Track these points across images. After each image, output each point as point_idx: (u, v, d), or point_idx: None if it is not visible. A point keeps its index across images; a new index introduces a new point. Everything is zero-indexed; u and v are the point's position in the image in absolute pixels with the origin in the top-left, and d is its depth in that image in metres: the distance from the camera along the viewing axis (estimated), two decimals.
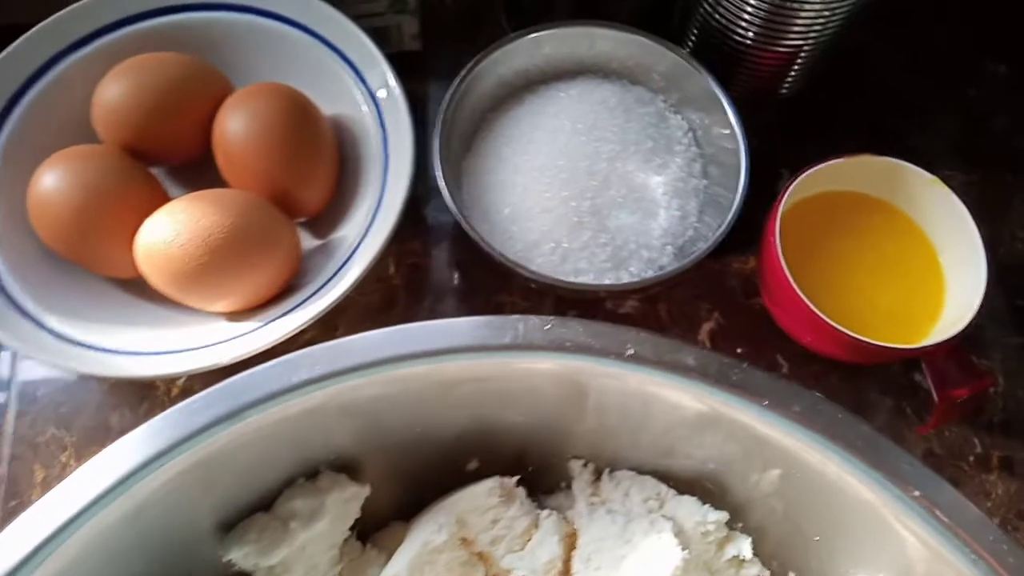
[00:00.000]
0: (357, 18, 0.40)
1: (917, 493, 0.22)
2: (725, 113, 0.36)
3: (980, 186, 0.42)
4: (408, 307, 0.38)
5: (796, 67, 0.39)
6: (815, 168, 0.35)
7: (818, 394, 0.23)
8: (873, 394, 0.37)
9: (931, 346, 0.31)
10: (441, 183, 0.34)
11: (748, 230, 0.35)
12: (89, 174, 0.34)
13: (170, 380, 0.36)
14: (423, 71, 0.43)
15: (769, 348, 0.38)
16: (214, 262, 0.32)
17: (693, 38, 0.40)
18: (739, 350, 0.38)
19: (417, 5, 0.41)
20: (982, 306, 0.33)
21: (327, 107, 0.38)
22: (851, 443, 0.22)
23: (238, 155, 0.35)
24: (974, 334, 0.39)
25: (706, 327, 0.38)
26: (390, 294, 0.39)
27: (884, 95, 0.44)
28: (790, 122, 0.43)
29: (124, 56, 0.36)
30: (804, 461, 0.24)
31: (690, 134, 0.38)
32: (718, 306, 0.39)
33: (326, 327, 0.37)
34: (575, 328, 0.23)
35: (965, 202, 0.41)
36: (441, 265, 0.40)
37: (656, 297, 0.39)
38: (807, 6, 0.34)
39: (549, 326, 0.23)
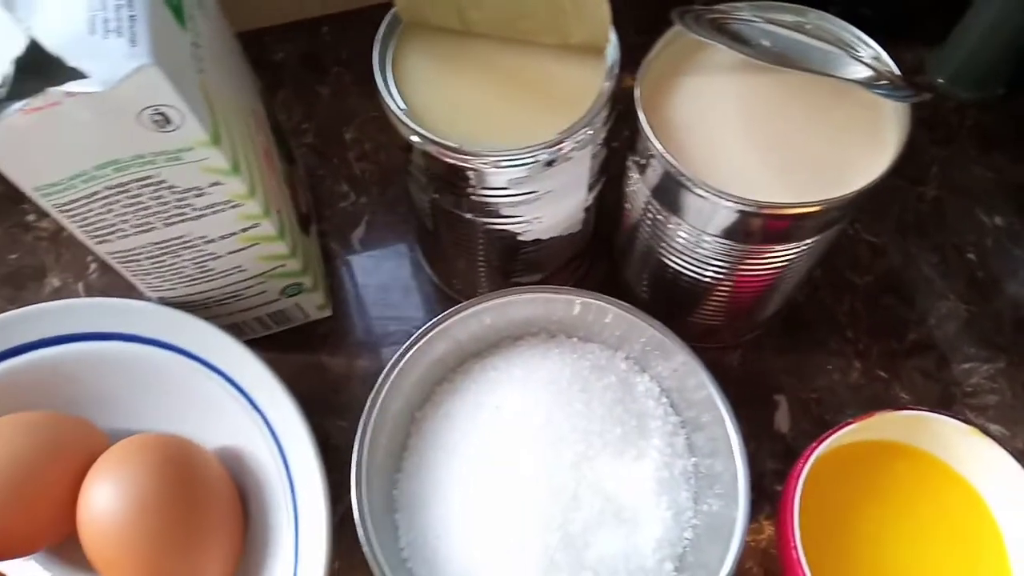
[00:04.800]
0: (246, 311, 0.33)
1: None
2: (692, 367, 0.30)
3: (1009, 374, 0.35)
4: None
5: (777, 290, 0.32)
6: (824, 445, 0.28)
7: None
8: None
9: None
10: (366, 548, 0.26)
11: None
12: None
13: None
14: (337, 339, 0.37)
15: None
16: None
17: (638, 274, 0.34)
18: None
19: (319, 278, 0.34)
20: None
21: (217, 437, 0.31)
22: None
23: (109, 549, 0.27)
24: None
25: None
26: None
27: (878, 279, 0.38)
28: (774, 329, 0.36)
29: None
30: None
31: (663, 399, 0.31)
32: None
33: None
34: None
35: (1000, 403, 0.35)
36: None
37: None
38: (777, 249, 0.28)
39: None
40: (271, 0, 0.44)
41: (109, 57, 0.20)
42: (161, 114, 0.22)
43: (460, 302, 0.31)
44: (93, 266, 0.38)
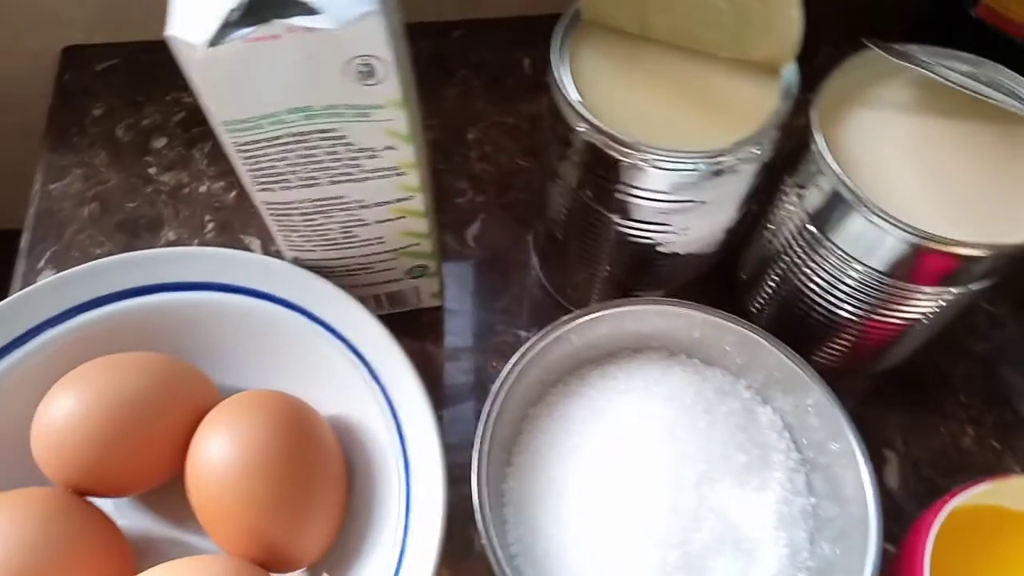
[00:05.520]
0: (368, 286, 0.33)
1: None
2: (826, 407, 0.29)
3: None
4: None
5: (905, 340, 0.32)
6: (954, 502, 0.27)
7: None
8: None
9: None
10: (484, 537, 0.26)
11: None
12: (23, 534, 0.25)
13: None
14: (439, 329, 0.36)
15: None
16: None
17: (763, 305, 0.34)
18: None
19: (438, 266, 0.34)
20: None
21: (330, 403, 0.30)
22: None
23: (216, 503, 0.26)
24: None
25: None
26: None
27: (995, 348, 0.37)
28: (887, 382, 0.36)
29: (76, 356, 0.29)
30: None
31: (786, 434, 0.30)
32: None
33: None
34: None
35: None
36: None
37: None
38: (927, 292, 0.28)
39: None
40: None
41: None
42: (369, 65, 0.22)
43: (569, 310, 0.30)
44: (210, 225, 0.38)
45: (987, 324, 0.37)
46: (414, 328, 0.36)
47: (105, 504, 0.29)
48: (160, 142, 0.40)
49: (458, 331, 0.37)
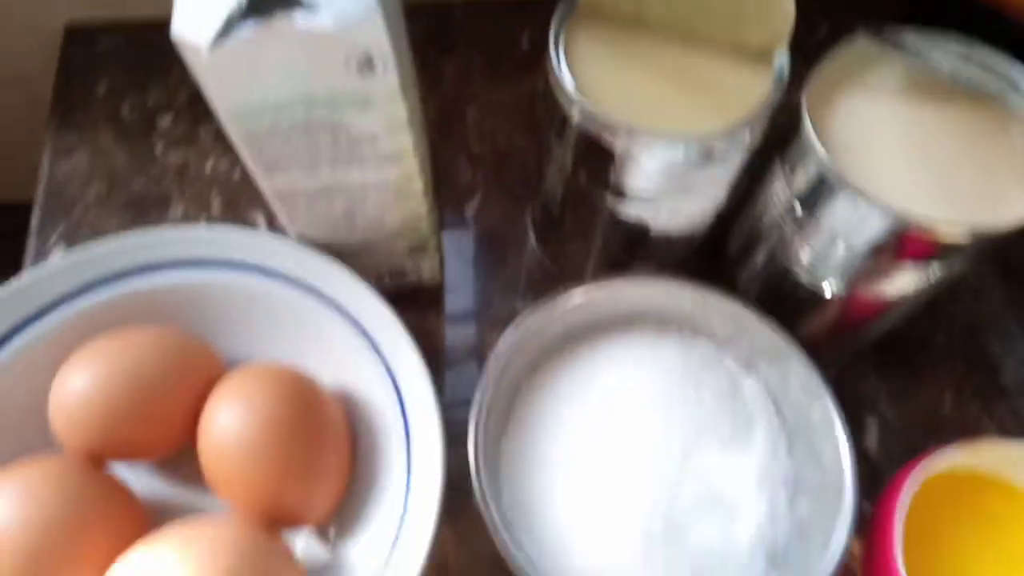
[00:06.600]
0: (370, 264, 0.34)
1: None
2: (807, 375, 0.30)
3: None
4: None
5: (889, 315, 0.33)
6: (926, 462, 0.29)
7: None
8: None
9: None
10: (480, 499, 0.27)
11: None
12: (44, 499, 0.27)
13: None
14: (440, 304, 0.38)
15: None
16: None
17: (751, 280, 0.35)
18: None
19: (438, 244, 0.35)
20: None
21: (333, 374, 0.32)
22: None
23: (228, 466, 0.28)
24: None
25: None
26: None
27: (977, 317, 0.38)
28: (867, 349, 0.37)
29: (89, 331, 0.31)
30: None
31: (769, 402, 0.32)
32: None
33: None
34: None
35: None
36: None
37: None
38: (912, 272, 0.29)
39: None
40: None
41: None
42: (369, 59, 0.23)
43: (566, 284, 0.32)
44: (217, 202, 0.39)
45: (971, 295, 0.38)
46: (416, 303, 0.37)
47: (122, 471, 0.31)
48: (166, 120, 0.41)
49: (458, 304, 0.38)
